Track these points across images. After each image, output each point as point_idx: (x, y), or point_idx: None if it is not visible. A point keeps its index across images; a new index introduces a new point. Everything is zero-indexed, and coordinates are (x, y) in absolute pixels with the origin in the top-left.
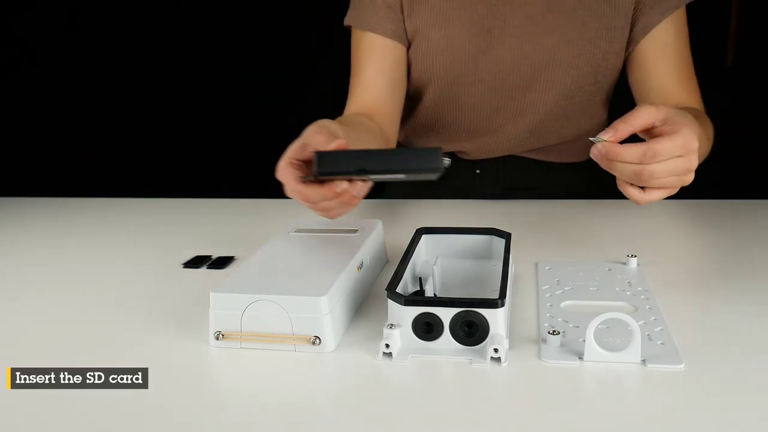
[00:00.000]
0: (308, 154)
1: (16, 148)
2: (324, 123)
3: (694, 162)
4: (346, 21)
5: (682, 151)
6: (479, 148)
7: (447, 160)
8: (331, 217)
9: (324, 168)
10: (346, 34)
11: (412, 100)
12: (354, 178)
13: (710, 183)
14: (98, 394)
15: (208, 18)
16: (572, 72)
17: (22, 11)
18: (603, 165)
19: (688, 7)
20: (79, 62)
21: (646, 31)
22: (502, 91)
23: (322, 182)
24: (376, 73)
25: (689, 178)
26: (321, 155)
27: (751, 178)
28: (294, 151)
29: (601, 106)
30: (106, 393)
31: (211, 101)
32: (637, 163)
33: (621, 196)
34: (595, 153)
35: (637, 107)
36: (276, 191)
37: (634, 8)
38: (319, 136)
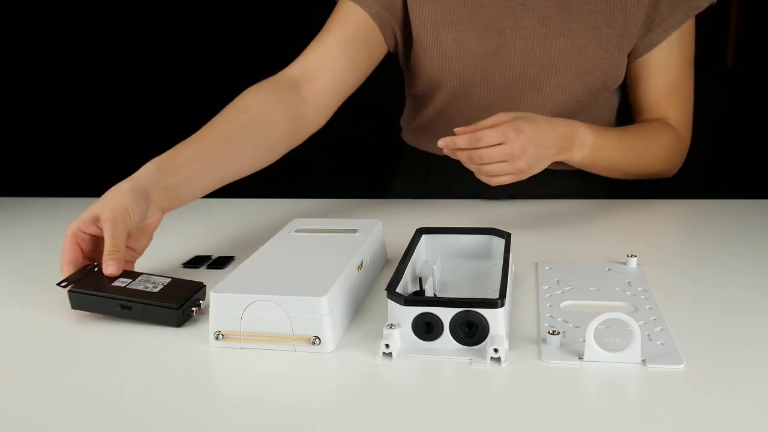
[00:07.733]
0: (96, 230)
1: (16, 148)
2: (120, 205)
3: (517, 150)
4: None
5: (502, 139)
6: None
7: (191, 313)
8: None
9: (77, 306)
10: None
11: (421, 100)
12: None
13: (710, 182)
14: (98, 393)
15: (206, 18)
16: (582, 77)
17: (24, 10)
18: (452, 155)
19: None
20: (78, 62)
21: (648, 48)
22: (511, 93)
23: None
24: (338, 41)
25: (522, 164)
26: (72, 296)
27: (751, 178)
28: (84, 222)
29: (610, 112)
30: (106, 392)
31: (211, 101)
32: (468, 149)
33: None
34: (441, 145)
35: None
36: (276, 191)
37: (644, 21)
38: (93, 228)
